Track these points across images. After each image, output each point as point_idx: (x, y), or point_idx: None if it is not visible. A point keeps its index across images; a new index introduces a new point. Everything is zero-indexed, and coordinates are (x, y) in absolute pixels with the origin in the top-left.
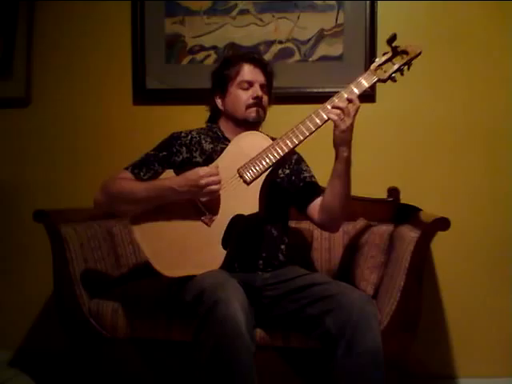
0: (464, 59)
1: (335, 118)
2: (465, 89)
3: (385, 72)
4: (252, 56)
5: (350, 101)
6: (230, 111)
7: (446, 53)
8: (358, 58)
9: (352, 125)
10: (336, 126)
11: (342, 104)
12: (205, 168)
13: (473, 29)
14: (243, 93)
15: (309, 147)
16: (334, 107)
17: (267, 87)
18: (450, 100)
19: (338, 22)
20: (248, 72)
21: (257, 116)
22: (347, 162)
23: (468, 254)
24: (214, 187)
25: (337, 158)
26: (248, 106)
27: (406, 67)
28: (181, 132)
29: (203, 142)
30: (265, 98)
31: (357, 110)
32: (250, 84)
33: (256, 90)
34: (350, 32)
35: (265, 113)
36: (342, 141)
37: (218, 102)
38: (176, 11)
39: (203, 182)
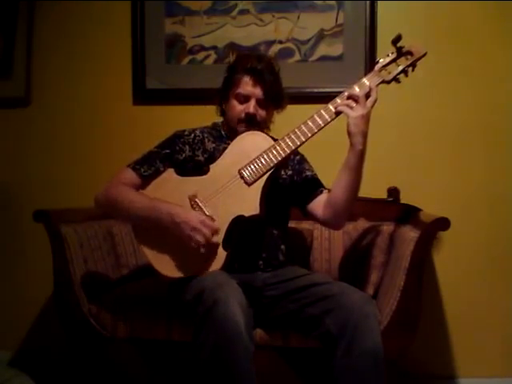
0: (464, 59)
1: (342, 108)
2: (465, 89)
3: (389, 73)
4: (253, 67)
5: (367, 96)
6: (227, 118)
7: (446, 53)
8: (358, 58)
9: (367, 115)
10: (347, 116)
11: (352, 93)
12: (209, 220)
13: (473, 29)
14: (238, 105)
15: (311, 148)
16: (342, 98)
17: (266, 101)
18: (449, 100)
19: (338, 22)
20: (246, 85)
21: (245, 132)
22: (360, 155)
23: (468, 253)
24: (199, 238)
25: (350, 149)
26: (239, 121)
27: (411, 68)
28: (184, 130)
29: (206, 140)
30: (261, 114)
31: (374, 102)
32: (247, 98)
33: (249, 107)
34: (350, 32)
35: (260, 128)
36: (356, 129)
37: (222, 103)
38: (176, 11)
39: (197, 226)
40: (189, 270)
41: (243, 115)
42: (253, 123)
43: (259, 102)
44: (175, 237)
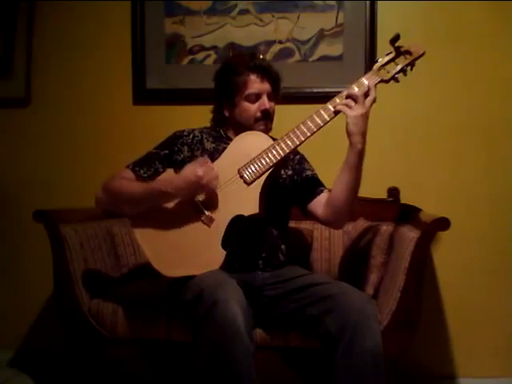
0: (464, 59)
1: (341, 108)
2: (464, 89)
3: (388, 72)
4: (258, 64)
5: (366, 94)
6: (238, 122)
7: (446, 53)
8: (358, 58)
9: (366, 114)
10: (346, 116)
11: (351, 93)
12: (200, 168)
13: (472, 29)
14: (251, 106)
15: (311, 148)
16: (341, 98)
17: (274, 93)
18: (449, 100)
19: (338, 22)
20: (255, 84)
21: (265, 129)
22: (360, 155)
23: (468, 253)
24: (214, 183)
25: (350, 149)
26: (256, 120)
27: (409, 68)
28: (183, 131)
29: (205, 141)
30: (272, 107)
31: (372, 101)
32: (258, 96)
33: (264, 103)
34: (350, 32)
35: (272, 122)
36: (355, 128)
37: (225, 111)
38: (176, 11)
39: (204, 181)
40: (188, 269)
41: (259, 114)
42: (268, 118)
43: (268, 96)
44: (181, 218)
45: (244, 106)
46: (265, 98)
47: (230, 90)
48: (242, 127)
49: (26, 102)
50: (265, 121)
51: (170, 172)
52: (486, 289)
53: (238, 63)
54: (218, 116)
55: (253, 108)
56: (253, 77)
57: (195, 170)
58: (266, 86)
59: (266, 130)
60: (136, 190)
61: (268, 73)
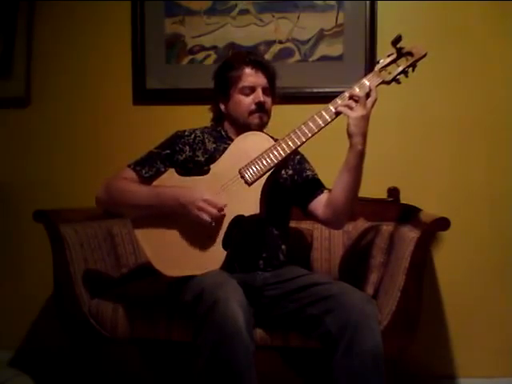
0: (464, 59)
1: (343, 109)
2: (465, 89)
3: (389, 74)
4: (253, 58)
5: (367, 95)
6: (233, 116)
7: (446, 53)
8: (358, 58)
9: (367, 116)
10: (347, 117)
11: (352, 94)
12: (213, 198)
13: (473, 29)
14: (245, 98)
15: (311, 148)
16: (342, 99)
17: (270, 89)
18: (449, 100)
19: (338, 22)
20: (249, 76)
21: (259, 122)
22: (360, 156)
23: (468, 254)
24: (204, 216)
25: (350, 149)
26: (250, 113)
27: (411, 69)
28: (185, 131)
29: (206, 141)
30: (268, 102)
31: (373, 103)
32: (252, 89)
33: (258, 96)
34: (350, 32)
35: (268, 117)
36: (356, 130)
37: (221, 105)
38: (176, 11)
39: (200, 204)
40: (188, 269)
41: (253, 106)
42: (263, 111)
43: (264, 90)
44: (181, 219)
45: (238, 99)
46: (259, 91)
47: (226, 84)
48: (237, 121)
49: (26, 102)
50: (259, 114)
51: (171, 172)
52: (486, 289)
53: (234, 59)
54: (216, 112)
55: (247, 101)
56: (247, 70)
57: (205, 192)
58: (261, 80)
59: (261, 124)
60: (139, 193)
61: (263, 67)
